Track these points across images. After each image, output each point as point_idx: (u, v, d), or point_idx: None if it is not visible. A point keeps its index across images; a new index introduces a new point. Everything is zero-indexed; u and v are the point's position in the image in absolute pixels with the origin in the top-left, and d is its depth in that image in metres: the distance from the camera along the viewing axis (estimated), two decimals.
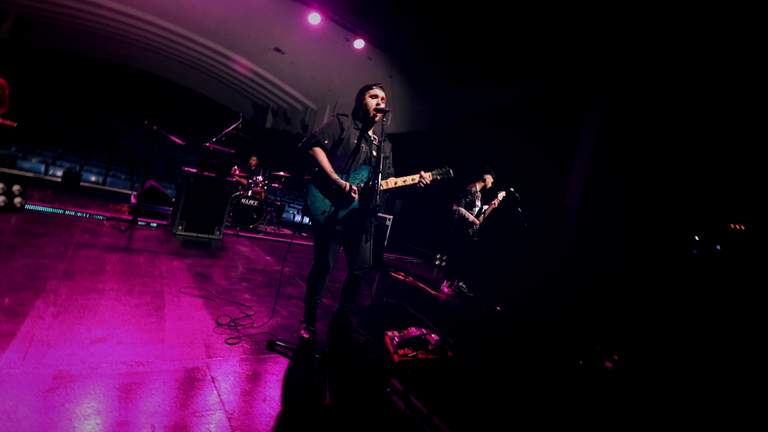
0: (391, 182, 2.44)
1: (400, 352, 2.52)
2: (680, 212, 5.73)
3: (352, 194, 2.25)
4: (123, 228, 4.55)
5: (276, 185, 7.72)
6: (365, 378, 2.19)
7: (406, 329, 2.83)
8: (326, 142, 2.32)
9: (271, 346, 2.25)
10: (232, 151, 5.41)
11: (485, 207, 4.93)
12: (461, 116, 10.81)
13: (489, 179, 5.01)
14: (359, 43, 10.35)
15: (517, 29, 7.93)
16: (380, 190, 2.17)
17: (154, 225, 5.19)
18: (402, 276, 5.77)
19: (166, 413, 1.48)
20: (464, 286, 5.08)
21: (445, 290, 5.09)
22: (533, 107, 8.42)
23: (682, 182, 5.75)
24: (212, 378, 1.80)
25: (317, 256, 2.49)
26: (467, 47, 9.36)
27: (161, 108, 17.28)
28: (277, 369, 2.03)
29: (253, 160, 7.89)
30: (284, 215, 11.01)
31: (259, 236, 6.30)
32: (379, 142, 2.26)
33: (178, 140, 5.19)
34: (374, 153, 2.43)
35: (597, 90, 7.13)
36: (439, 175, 2.49)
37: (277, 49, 13.28)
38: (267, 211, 7.42)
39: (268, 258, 4.85)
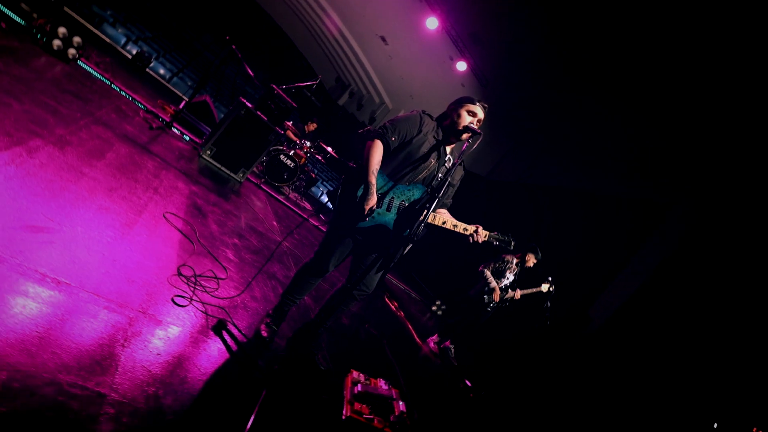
0: (440, 219, 1.96)
1: (356, 406, 2.04)
2: (714, 394, 4.98)
3: (366, 213, 1.79)
4: (154, 126, 4.29)
5: (320, 158, 7.43)
6: (303, 424, 1.72)
7: (375, 378, 2.35)
8: (393, 139, 1.88)
9: (218, 329, 1.82)
10: (294, 105, 5.12)
11: (529, 290, 4.37)
12: (523, 179, 10.27)
13: (531, 259, 4.44)
14: (461, 66, 10.02)
15: (623, 132, 7.42)
16: (426, 218, 1.70)
17: (187, 138, 4.94)
18: (395, 306, 5.27)
19: (36, 367, 1.06)
20: (453, 350, 4.53)
21: (431, 344, 4.54)
22: (596, 205, 7.87)
23: (732, 365, 5.01)
24: (125, 341, 1.38)
25: (320, 252, 2.07)
26: (560, 118, 8.89)
27: (258, 43, 17.53)
28: (208, 361, 1.60)
29: (311, 126, 7.63)
30: (313, 189, 10.74)
31: (279, 197, 5.97)
32: (453, 164, 1.80)
33: (249, 70, 4.96)
34: (440, 174, 1.98)
35: (672, 222, 6.44)
36: (496, 240, 1.97)
37: (383, 38, 13.17)
38: (299, 177, 7.12)
39: (275, 224, 4.48)
